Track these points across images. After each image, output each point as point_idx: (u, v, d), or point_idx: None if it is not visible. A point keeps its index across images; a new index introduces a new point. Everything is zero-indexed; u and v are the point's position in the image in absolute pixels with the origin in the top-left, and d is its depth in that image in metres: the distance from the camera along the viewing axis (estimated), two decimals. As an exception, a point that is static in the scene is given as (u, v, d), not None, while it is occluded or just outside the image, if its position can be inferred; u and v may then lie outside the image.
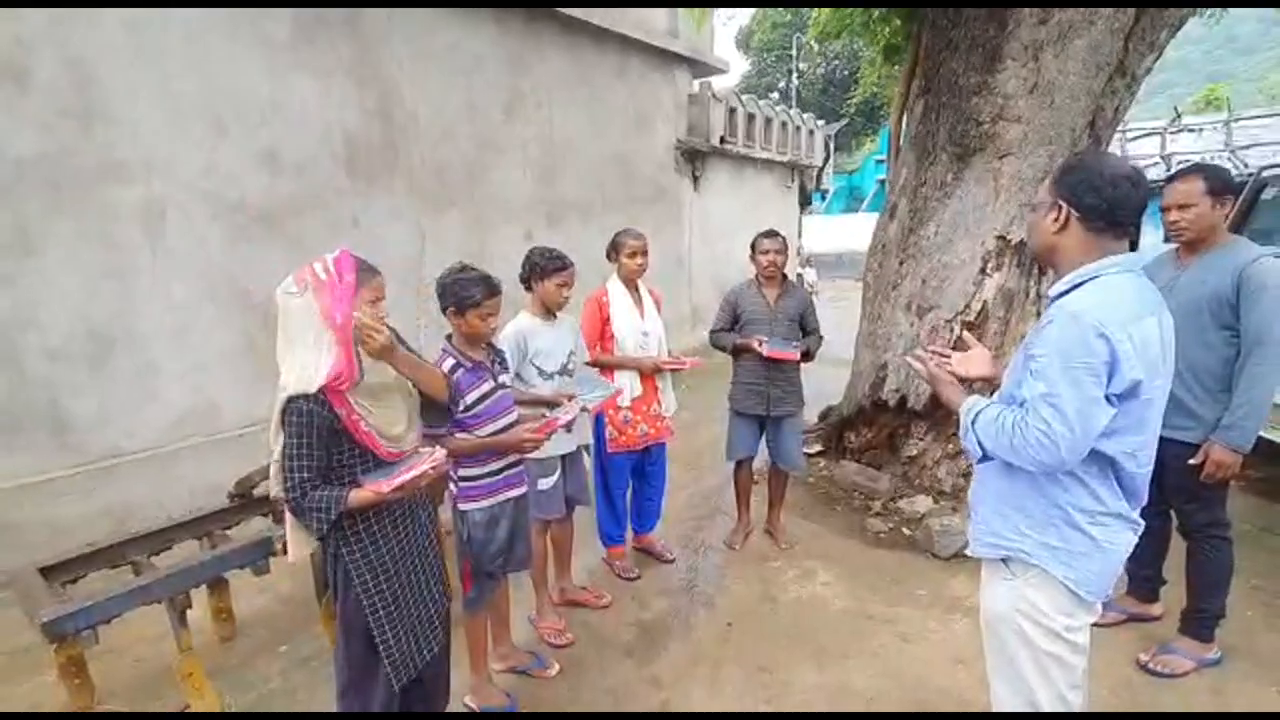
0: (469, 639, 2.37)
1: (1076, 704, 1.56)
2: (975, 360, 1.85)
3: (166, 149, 3.70)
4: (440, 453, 1.77)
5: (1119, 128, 8.57)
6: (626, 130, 7.21)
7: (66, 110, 3.32)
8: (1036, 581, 1.54)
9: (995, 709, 1.67)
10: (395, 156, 5.02)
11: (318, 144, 4.48)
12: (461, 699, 2.38)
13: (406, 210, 5.13)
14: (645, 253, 3.14)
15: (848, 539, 3.65)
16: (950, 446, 4.01)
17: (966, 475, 3.91)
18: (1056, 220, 1.51)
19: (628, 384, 3.09)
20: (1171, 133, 11.02)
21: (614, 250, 3.16)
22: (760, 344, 3.19)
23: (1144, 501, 1.55)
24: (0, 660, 2.75)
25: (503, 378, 2.32)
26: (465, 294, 2.15)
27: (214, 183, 3.93)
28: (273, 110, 4.18)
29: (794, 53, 24.39)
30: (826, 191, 18.16)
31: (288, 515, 1.76)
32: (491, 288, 2.17)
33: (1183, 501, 2.50)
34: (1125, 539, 1.53)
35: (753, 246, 3.33)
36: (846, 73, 24.37)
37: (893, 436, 4.24)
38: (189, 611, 2.36)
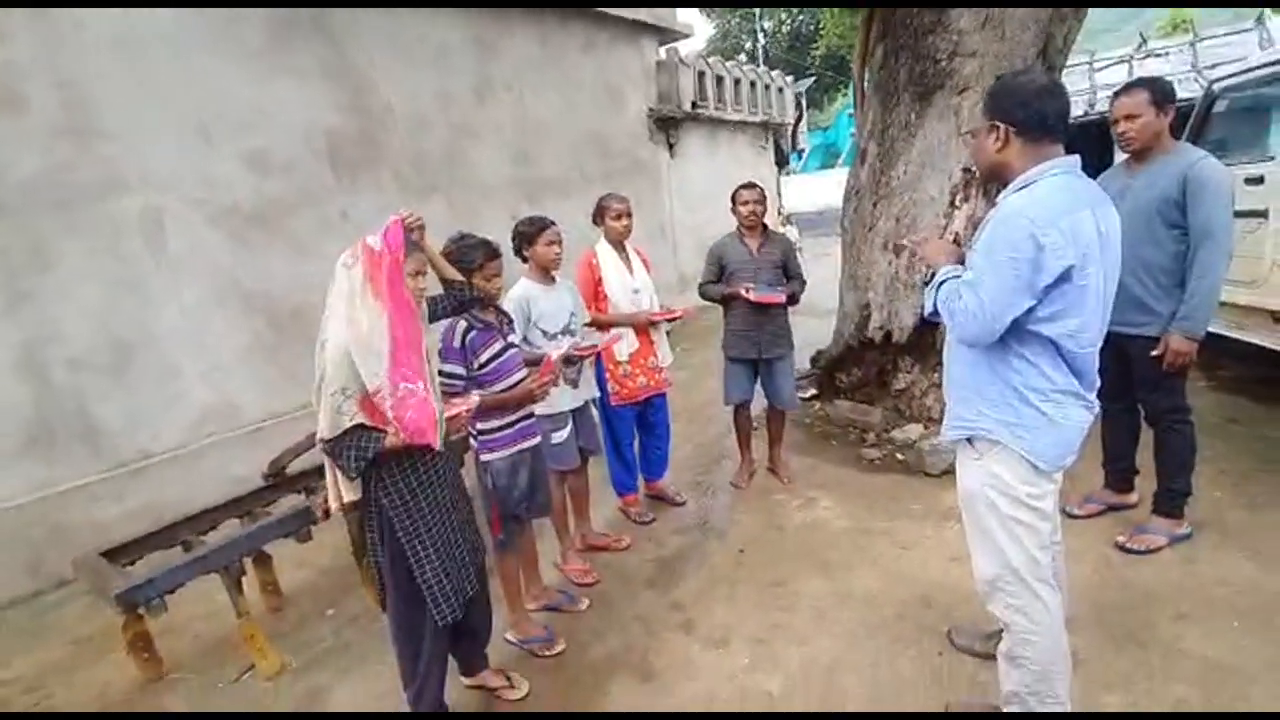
0: (503, 579, 2.58)
1: (1045, 563, 1.77)
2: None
3: (160, 160, 3.83)
4: (474, 398, 1.97)
5: (1089, 59, 8.65)
6: (598, 104, 7.30)
7: (63, 130, 3.44)
8: (999, 456, 1.74)
9: (977, 579, 1.89)
10: (376, 149, 5.14)
11: (301, 144, 4.59)
12: (503, 635, 2.59)
13: (392, 200, 5.24)
14: (629, 214, 3.31)
15: (845, 468, 3.88)
16: (936, 376, 4.21)
17: (953, 400, 4.12)
18: (998, 140, 1.69)
19: (625, 339, 3.28)
20: (1139, 59, 11.14)
21: (599, 215, 3.32)
22: (747, 290, 3.37)
23: (1095, 381, 1.74)
24: (69, 650, 2.95)
25: (511, 338, 2.51)
26: (468, 258, 2.34)
27: (207, 189, 4.06)
28: (255, 114, 4.29)
29: (756, 11, 24.25)
30: (803, 150, 18.21)
31: (329, 464, 1.95)
32: (491, 250, 2.37)
33: (1147, 391, 2.71)
34: (1078, 415, 1.71)
35: (733, 198, 3.49)
36: (812, 27, 24.23)
37: (882, 372, 4.44)
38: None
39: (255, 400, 4.31)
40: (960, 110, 3.67)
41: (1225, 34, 11.42)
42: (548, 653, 2.56)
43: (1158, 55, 11.08)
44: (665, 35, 8.06)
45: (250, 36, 4.25)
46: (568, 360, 2.83)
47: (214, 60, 4.06)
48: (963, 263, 1.83)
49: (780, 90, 9.69)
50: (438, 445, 1.87)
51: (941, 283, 1.75)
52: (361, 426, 1.82)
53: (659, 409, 3.53)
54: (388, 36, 5.13)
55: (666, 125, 7.92)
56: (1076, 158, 1.68)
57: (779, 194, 10.91)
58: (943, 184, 3.81)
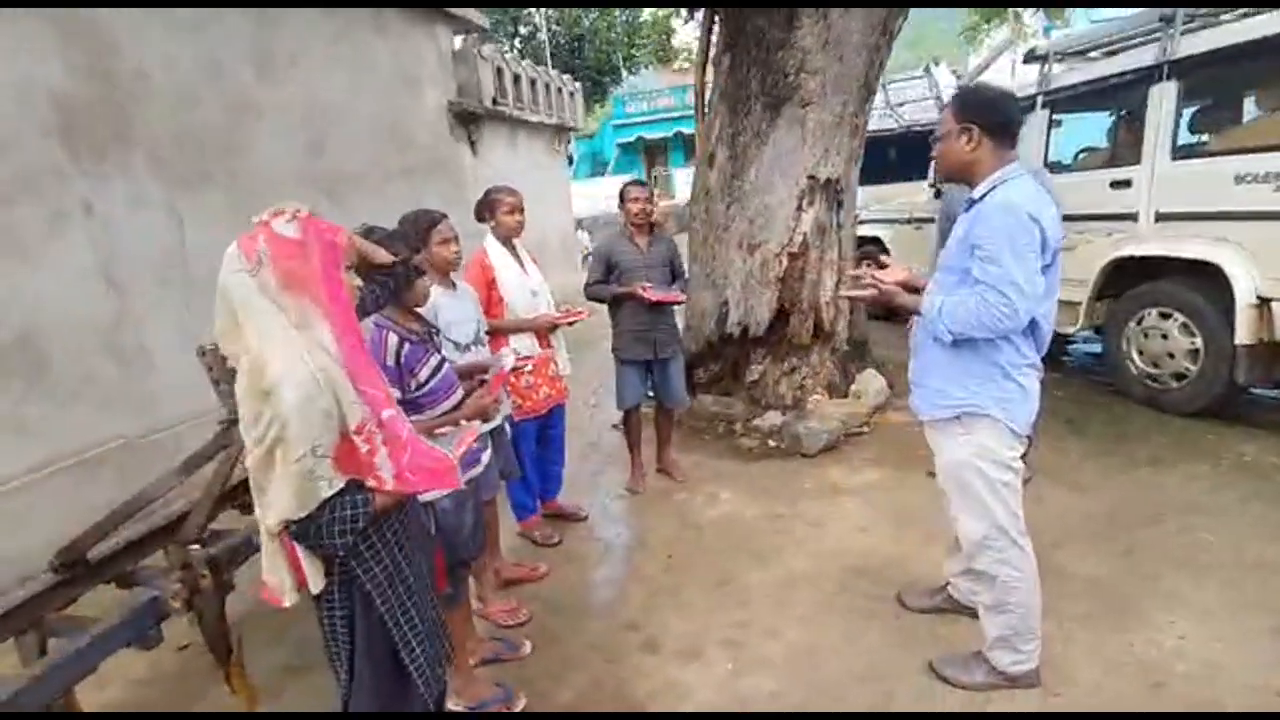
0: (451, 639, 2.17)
1: (1021, 515, 2.01)
2: (895, 270, 2.18)
3: None
4: (477, 424, 1.60)
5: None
6: (394, 92, 6.58)
7: None
8: (986, 428, 1.93)
9: (963, 541, 2.07)
10: (127, 125, 4.00)
11: (15, 112, 3.38)
12: (446, 705, 2.18)
13: (153, 192, 4.14)
14: (522, 208, 3.04)
15: (727, 460, 4.01)
16: (785, 365, 4.57)
17: (803, 388, 4.52)
18: (970, 142, 1.86)
19: (527, 348, 3.00)
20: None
21: (489, 209, 3.02)
22: (644, 289, 3.29)
23: (1044, 352, 2.01)
24: None
25: (452, 355, 2.13)
26: (407, 235, 1.93)
27: None
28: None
29: (516, 15, 24.11)
30: (572, 157, 18.57)
31: (276, 547, 1.44)
32: (431, 217, 2.06)
33: None
34: (1036, 383, 1.98)
35: (621, 196, 3.39)
36: (565, 39, 24.85)
37: (736, 366, 4.69)
38: None
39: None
40: (805, 121, 4.03)
41: (905, 78, 14.30)
42: (510, 711, 2.22)
43: (862, 92, 13.44)
44: (459, 24, 7.57)
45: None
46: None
47: None
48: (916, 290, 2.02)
49: (571, 95, 9.74)
50: (460, 484, 1.50)
51: (939, 311, 1.85)
52: (344, 489, 1.37)
53: (558, 422, 3.29)
54: (137, -15, 4.02)
55: (468, 121, 7.45)
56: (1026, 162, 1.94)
57: (570, 198, 10.98)
58: (791, 189, 4.14)
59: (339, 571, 1.49)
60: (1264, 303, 3.19)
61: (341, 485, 1.38)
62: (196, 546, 2.06)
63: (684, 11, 6.00)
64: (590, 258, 3.65)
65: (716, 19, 4.38)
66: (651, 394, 3.67)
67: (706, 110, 4.66)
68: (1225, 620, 2.27)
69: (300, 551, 1.43)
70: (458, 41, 7.46)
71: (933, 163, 5.45)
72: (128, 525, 2.31)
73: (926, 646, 2.31)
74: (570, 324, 3.15)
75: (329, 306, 1.40)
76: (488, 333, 2.88)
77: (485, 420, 2.12)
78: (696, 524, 3.32)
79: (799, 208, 4.17)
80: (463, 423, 1.77)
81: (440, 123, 7.24)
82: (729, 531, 3.21)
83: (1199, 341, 3.54)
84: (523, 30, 26.62)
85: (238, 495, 2.44)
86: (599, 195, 18.93)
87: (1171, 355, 3.69)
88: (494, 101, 7.68)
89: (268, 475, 1.35)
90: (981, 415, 1.92)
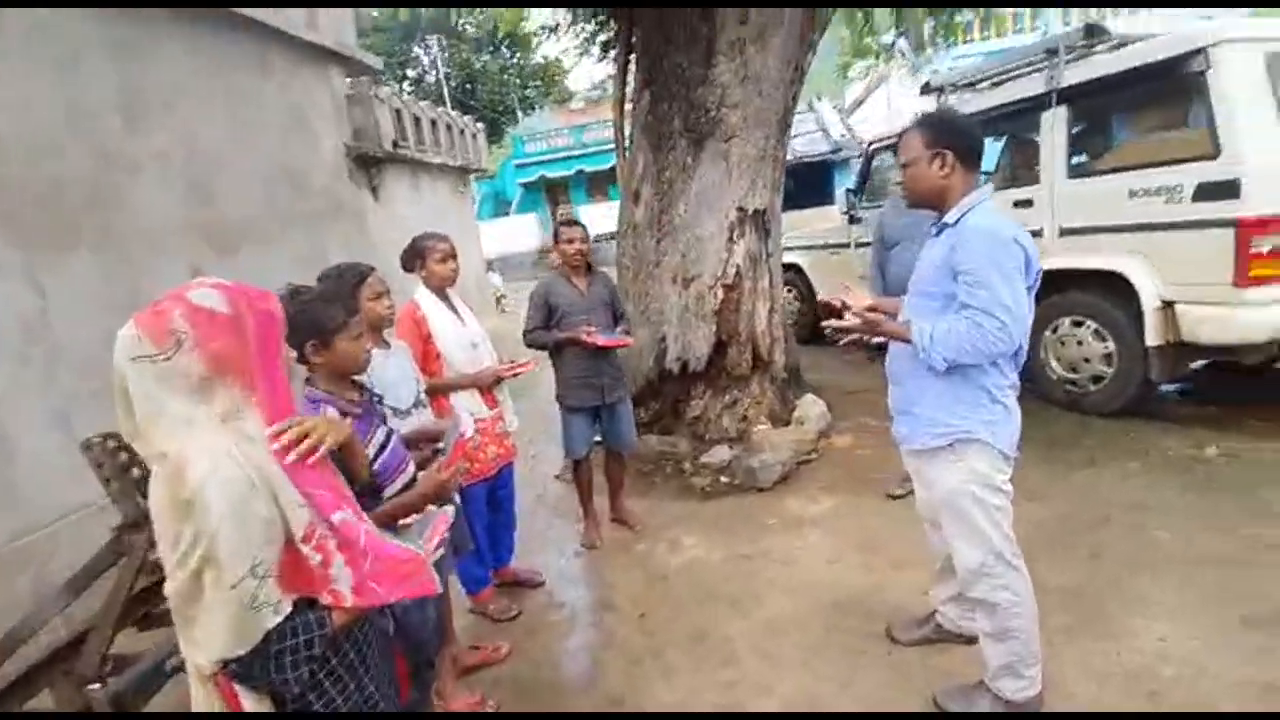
0: (419, 752, 1.88)
1: (1014, 539, 1.99)
2: (861, 297, 2.15)
3: None
4: (450, 510, 1.38)
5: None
6: (285, 136, 6.15)
7: None
8: (977, 452, 1.90)
9: (960, 568, 2.02)
10: (-33, 182, 3.46)
11: None
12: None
13: (7, 258, 3.59)
14: (455, 255, 2.83)
15: (683, 501, 3.87)
16: (726, 398, 4.52)
17: (746, 419, 4.47)
18: (944, 166, 1.85)
19: (474, 406, 2.76)
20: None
21: (417, 258, 2.79)
22: (589, 334, 3.13)
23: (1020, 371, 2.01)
24: None
25: (392, 421, 1.88)
26: (325, 318, 1.69)
27: None
28: None
29: (404, 59, 23.69)
30: (473, 198, 18.29)
31: (210, 691, 1.16)
32: (358, 272, 2.04)
33: None
34: (1016, 404, 1.97)
35: (555, 236, 3.24)
36: (455, 83, 24.67)
37: (677, 403, 4.59)
38: None
39: None
40: (730, 155, 4.05)
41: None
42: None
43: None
44: (351, 65, 7.23)
45: None
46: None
47: None
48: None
49: (474, 136, 9.54)
50: (438, 587, 1.27)
51: (930, 339, 1.80)
52: (293, 611, 1.13)
53: (507, 483, 3.04)
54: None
55: (368, 164, 7.09)
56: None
57: (479, 239, 10.70)
58: (721, 222, 4.14)
59: (293, 706, 1.22)
60: (1168, 306, 3.46)
61: (289, 609, 1.13)
62: (97, 685, 1.69)
63: (595, 49, 5.98)
64: (504, 299, 3.45)
65: (632, 57, 4.37)
66: (599, 439, 3.50)
67: (627, 146, 4.62)
68: (1196, 617, 2.33)
69: (242, 693, 1.15)
70: (349, 84, 7.12)
71: (844, 191, 5.62)
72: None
73: (923, 680, 2.24)
74: (515, 375, 2.94)
75: (264, 393, 1.16)
76: (427, 392, 2.63)
77: (447, 496, 1.89)
78: (663, 575, 3.14)
79: (730, 239, 4.17)
80: (430, 508, 1.53)
81: (338, 167, 6.85)
82: (698, 580, 3.06)
83: (1111, 345, 3.79)
84: (411, 73, 26.19)
85: (138, 608, 2.06)
86: (505, 235, 18.75)
87: (1087, 360, 3.94)
88: (394, 144, 7.37)
89: (195, 605, 1.08)
90: (972, 440, 1.89)
